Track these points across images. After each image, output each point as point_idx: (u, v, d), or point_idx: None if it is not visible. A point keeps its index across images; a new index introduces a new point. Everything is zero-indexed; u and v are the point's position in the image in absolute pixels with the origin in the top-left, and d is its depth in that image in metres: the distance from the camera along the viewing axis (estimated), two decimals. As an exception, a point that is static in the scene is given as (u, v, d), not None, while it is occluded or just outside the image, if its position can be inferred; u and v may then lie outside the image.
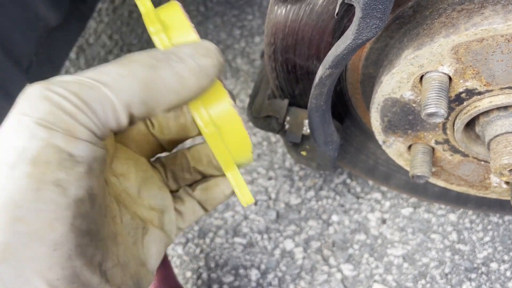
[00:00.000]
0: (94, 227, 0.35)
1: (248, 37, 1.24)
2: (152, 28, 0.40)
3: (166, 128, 0.50)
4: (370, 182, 0.95)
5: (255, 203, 0.96)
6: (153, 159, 0.52)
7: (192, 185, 0.52)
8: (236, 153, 0.44)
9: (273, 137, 1.06)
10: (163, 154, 0.54)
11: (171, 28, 0.41)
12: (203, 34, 1.26)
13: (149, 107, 0.36)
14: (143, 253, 0.44)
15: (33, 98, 0.33)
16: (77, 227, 0.33)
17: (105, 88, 0.34)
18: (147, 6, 0.43)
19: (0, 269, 0.31)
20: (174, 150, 0.53)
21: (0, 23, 0.79)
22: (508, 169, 0.48)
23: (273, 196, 0.97)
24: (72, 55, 1.32)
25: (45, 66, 0.93)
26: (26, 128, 0.32)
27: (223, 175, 0.52)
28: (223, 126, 0.41)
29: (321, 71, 0.49)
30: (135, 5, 1.39)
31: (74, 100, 0.33)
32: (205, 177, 0.53)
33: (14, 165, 0.31)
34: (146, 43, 1.28)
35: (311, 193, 0.96)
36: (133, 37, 1.31)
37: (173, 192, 0.51)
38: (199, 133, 0.50)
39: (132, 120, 0.36)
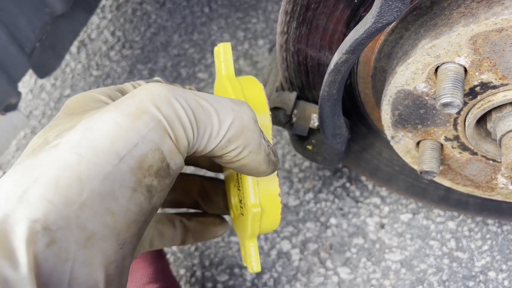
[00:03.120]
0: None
1: (252, 39, 1.24)
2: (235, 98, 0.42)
3: None
4: (370, 186, 0.94)
5: (253, 203, 0.95)
6: None
7: (185, 215, 0.56)
8: (265, 228, 0.49)
9: (274, 138, 1.05)
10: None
11: (251, 103, 0.45)
12: (207, 35, 1.26)
13: (224, 152, 0.38)
14: None
15: (157, 98, 0.34)
16: (140, 231, 0.34)
17: (215, 116, 0.36)
18: (230, 71, 0.47)
19: (79, 254, 0.31)
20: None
21: (6, 7, 0.78)
22: (520, 164, 0.48)
23: (271, 196, 0.96)
24: (73, 49, 1.31)
25: (48, 53, 0.92)
26: (145, 124, 0.33)
27: (220, 216, 0.58)
28: (266, 208, 0.46)
29: (337, 56, 0.49)
30: (139, 3, 1.39)
31: (190, 115, 0.35)
32: (201, 213, 0.57)
33: (123, 157, 0.32)
34: (149, 41, 1.27)
35: (310, 195, 0.95)
36: (136, 35, 1.30)
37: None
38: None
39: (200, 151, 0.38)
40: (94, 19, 1.37)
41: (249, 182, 0.45)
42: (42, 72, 0.91)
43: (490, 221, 0.87)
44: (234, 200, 0.53)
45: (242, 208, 0.49)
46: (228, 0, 1.34)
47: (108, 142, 0.32)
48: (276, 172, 0.45)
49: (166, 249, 0.90)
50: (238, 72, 1.18)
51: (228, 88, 0.45)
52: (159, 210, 0.56)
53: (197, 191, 0.57)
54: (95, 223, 0.31)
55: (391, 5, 0.41)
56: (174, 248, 0.91)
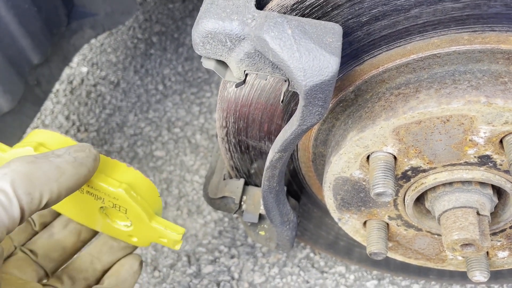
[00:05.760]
0: None
1: (207, 113, 1.26)
2: (28, 147, 0.47)
3: (47, 252, 0.55)
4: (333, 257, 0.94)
5: (218, 285, 0.93)
6: (44, 281, 0.56)
7: (98, 283, 0.57)
8: (150, 201, 0.51)
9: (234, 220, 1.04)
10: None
11: (47, 143, 0.49)
12: (162, 112, 1.28)
13: (35, 197, 0.40)
14: None
15: None
16: None
17: None
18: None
19: None
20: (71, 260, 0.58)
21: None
22: (460, 245, 0.49)
23: (236, 276, 0.94)
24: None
25: (-4, 152, 0.90)
26: None
27: (126, 255, 0.59)
28: (130, 182, 0.49)
29: (271, 154, 0.50)
30: (93, 85, 1.40)
31: None
32: (106, 271, 0.58)
33: None
34: (104, 122, 1.28)
35: (275, 270, 0.94)
36: (91, 117, 1.30)
37: None
38: (77, 248, 0.58)
39: (23, 215, 0.40)
40: (48, 104, 1.37)
41: (99, 183, 0.47)
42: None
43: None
44: (118, 221, 0.54)
45: (121, 209, 0.50)
46: (182, 76, 1.37)
47: None
48: (108, 159, 0.49)
49: None
50: (196, 146, 1.19)
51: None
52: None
53: (90, 258, 0.57)
54: None
55: (312, 110, 0.43)
56: None
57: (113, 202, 0.50)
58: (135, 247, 0.59)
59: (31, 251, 0.55)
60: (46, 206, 0.42)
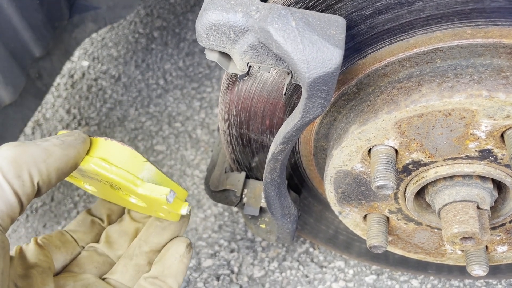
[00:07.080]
0: None
1: (208, 108, 1.26)
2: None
3: (113, 242, 0.55)
4: (333, 251, 0.94)
5: (218, 279, 0.93)
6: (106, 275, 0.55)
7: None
8: (133, 169, 0.48)
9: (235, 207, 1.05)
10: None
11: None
12: (163, 107, 1.28)
13: (25, 179, 0.40)
14: None
15: None
16: None
17: None
18: None
19: None
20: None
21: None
22: (459, 238, 0.49)
23: (235, 269, 0.94)
24: (28, 130, 1.29)
25: (-3, 144, 0.91)
26: None
27: (174, 238, 0.56)
28: (103, 155, 0.48)
29: (273, 147, 0.50)
30: (94, 79, 1.40)
31: None
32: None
33: None
34: (105, 116, 1.28)
35: (275, 264, 0.94)
36: (92, 111, 1.31)
37: None
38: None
39: (20, 199, 0.40)
40: (49, 98, 1.37)
41: (91, 165, 0.47)
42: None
43: (452, 276, 0.88)
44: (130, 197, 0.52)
45: (112, 184, 0.49)
46: (183, 71, 1.37)
47: None
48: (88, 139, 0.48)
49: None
50: (196, 141, 1.19)
51: None
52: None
53: (138, 242, 0.57)
54: None
55: (315, 102, 0.43)
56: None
57: (98, 178, 0.49)
58: (182, 228, 0.56)
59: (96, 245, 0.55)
60: (40, 190, 0.42)
